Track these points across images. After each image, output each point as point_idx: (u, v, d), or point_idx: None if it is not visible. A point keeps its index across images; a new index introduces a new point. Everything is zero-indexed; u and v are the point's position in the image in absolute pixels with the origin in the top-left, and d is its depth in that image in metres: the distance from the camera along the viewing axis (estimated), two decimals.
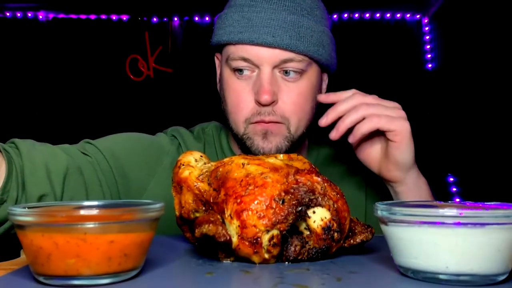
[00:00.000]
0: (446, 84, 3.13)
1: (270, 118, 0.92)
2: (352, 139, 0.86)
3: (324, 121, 0.86)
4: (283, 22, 0.90)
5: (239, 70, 0.94)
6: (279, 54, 0.91)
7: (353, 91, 0.87)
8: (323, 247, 0.57)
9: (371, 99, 0.85)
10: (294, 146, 0.97)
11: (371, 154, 0.90)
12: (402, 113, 0.85)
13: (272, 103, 0.92)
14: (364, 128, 0.83)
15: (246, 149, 0.97)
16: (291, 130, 0.95)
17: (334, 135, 0.85)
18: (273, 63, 0.91)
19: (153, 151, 1.01)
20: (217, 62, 1.05)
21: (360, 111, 0.83)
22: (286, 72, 0.93)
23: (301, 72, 0.93)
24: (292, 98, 0.93)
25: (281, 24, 0.90)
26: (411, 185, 0.89)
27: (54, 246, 0.45)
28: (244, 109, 0.94)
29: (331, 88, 1.00)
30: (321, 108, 0.98)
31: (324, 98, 0.91)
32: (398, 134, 0.83)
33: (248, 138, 0.95)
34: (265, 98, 0.90)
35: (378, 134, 0.88)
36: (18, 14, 3.28)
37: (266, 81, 0.91)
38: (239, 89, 0.94)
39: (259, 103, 0.92)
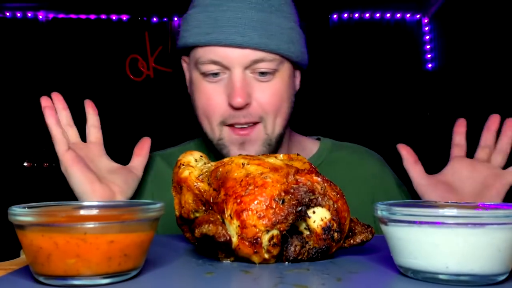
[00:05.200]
0: (446, 84, 3.13)
1: (246, 119, 0.90)
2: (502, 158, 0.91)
3: None
4: (251, 21, 0.87)
5: (210, 74, 0.90)
6: (249, 55, 0.88)
7: None
8: (323, 247, 0.57)
9: None
10: (274, 149, 0.94)
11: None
12: None
13: (246, 105, 0.88)
14: None
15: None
16: (268, 130, 0.91)
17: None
18: (244, 64, 0.88)
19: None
20: (184, 65, 1.01)
21: None
22: (258, 73, 0.89)
23: (273, 72, 0.90)
24: (267, 99, 0.90)
25: (249, 22, 0.87)
26: None
27: (54, 246, 0.45)
28: (216, 112, 0.91)
29: (331, 88, 0.99)
30: (297, 107, 0.97)
31: None
32: None
33: (224, 146, 0.92)
34: (238, 101, 0.87)
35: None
36: (18, 14, 3.28)
37: (238, 83, 0.87)
38: (210, 92, 0.91)
39: (232, 107, 0.88)
